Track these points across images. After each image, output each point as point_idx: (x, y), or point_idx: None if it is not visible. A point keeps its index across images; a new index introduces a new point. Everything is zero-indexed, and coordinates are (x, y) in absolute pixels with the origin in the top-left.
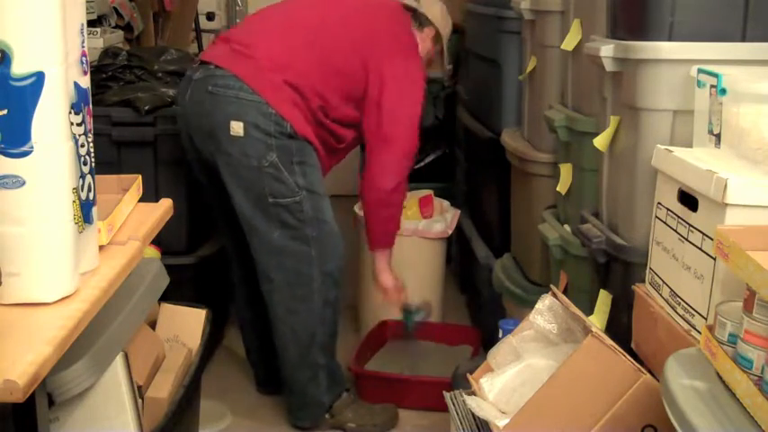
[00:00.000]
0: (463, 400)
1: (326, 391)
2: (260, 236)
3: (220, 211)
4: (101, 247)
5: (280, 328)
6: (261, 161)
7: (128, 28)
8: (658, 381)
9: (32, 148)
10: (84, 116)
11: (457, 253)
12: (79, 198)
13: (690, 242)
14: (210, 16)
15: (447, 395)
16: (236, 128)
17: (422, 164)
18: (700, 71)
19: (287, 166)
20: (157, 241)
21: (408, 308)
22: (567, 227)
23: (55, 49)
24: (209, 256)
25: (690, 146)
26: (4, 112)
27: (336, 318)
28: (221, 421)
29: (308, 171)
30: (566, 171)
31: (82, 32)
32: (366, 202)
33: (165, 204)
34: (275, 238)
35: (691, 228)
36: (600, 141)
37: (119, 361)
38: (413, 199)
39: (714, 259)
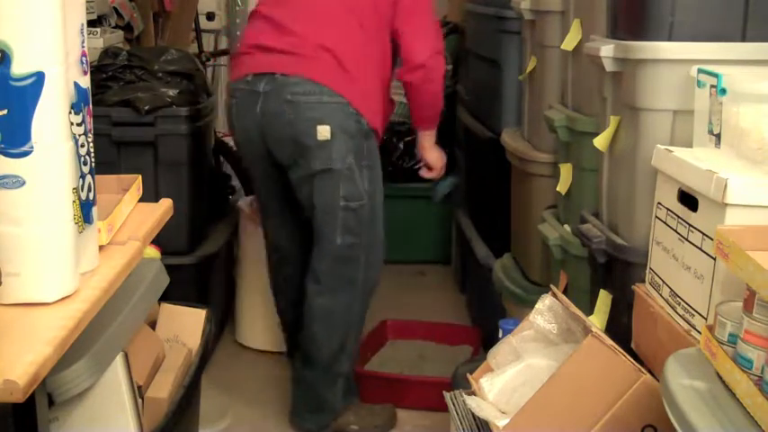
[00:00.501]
0: (463, 400)
1: (342, 398)
2: (323, 240)
3: (278, 207)
4: (101, 247)
5: (314, 329)
6: (342, 163)
7: (128, 28)
8: (658, 381)
9: (32, 148)
10: (84, 116)
11: (457, 253)
12: (79, 198)
13: (690, 242)
14: (210, 16)
15: (447, 395)
16: (324, 132)
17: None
18: (700, 71)
19: (359, 169)
20: (157, 241)
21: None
22: (567, 227)
23: (55, 49)
24: (209, 256)
25: (690, 146)
26: (4, 112)
27: (363, 326)
28: (221, 421)
29: (373, 177)
30: (566, 171)
31: (82, 32)
32: (408, 85)
33: (165, 204)
34: (338, 243)
35: (691, 228)
36: (600, 141)
37: (119, 361)
38: None
39: (714, 259)
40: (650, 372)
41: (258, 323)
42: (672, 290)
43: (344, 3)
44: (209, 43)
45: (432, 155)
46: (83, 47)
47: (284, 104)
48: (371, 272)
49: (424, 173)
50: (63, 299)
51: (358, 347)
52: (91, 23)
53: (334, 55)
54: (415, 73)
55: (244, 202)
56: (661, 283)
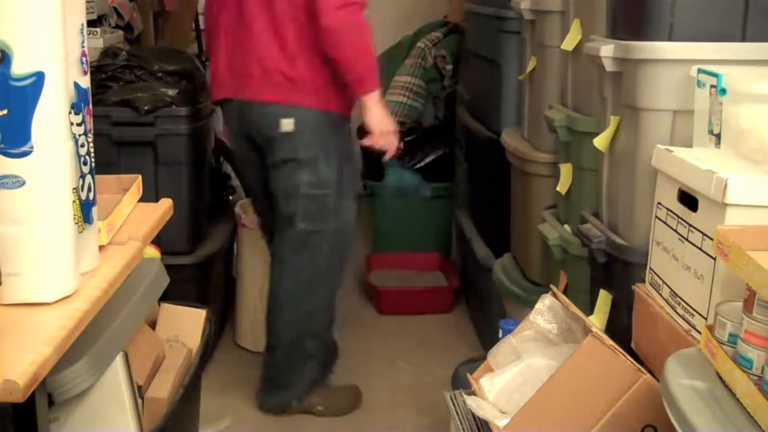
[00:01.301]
0: (463, 400)
1: (310, 380)
2: (285, 225)
3: (261, 191)
4: (101, 247)
5: (278, 311)
6: (306, 153)
7: (128, 28)
8: (658, 381)
9: (32, 148)
10: (84, 116)
11: (457, 253)
12: (79, 198)
13: (690, 242)
14: None
15: (447, 395)
16: (288, 124)
17: (422, 164)
18: (700, 71)
19: (326, 159)
20: (157, 241)
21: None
22: (566, 227)
23: (55, 49)
24: (209, 256)
25: (690, 146)
26: (4, 112)
27: (334, 312)
28: (221, 421)
29: (341, 166)
30: (566, 171)
31: (82, 32)
32: (328, 46)
33: (165, 204)
34: (298, 228)
35: (691, 228)
36: (600, 141)
37: (119, 361)
38: None
39: (714, 259)
40: (650, 372)
41: (258, 324)
42: (672, 290)
43: (263, 7)
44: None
45: (371, 117)
46: (83, 47)
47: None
48: (336, 261)
49: (364, 141)
50: (63, 299)
51: (330, 334)
52: (91, 23)
53: (275, 66)
54: (330, 28)
55: (240, 207)
56: (661, 283)
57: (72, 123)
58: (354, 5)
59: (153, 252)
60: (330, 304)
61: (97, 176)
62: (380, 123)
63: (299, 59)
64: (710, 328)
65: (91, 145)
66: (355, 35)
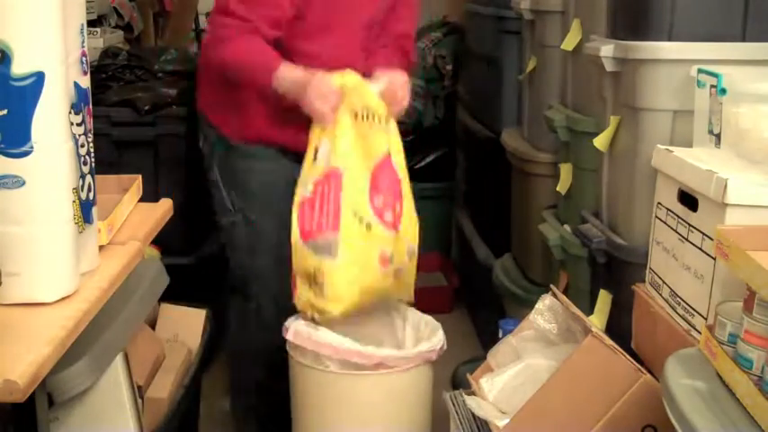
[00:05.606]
0: (463, 400)
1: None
2: None
3: None
4: (101, 247)
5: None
6: (211, 174)
7: (128, 28)
8: (658, 381)
9: (32, 148)
10: (84, 116)
11: (457, 253)
12: (79, 198)
13: (690, 242)
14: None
15: (447, 395)
16: (201, 138)
17: (422, 164)
18: (700, 71)
19: (224, 184)
20: (157, 241)
21: None
22: (567, 227)
23: (55, 49)
24: (209, 256)
25: (690, 146)
26: (4, 112)
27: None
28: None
29: (245, 195)
30: (566, 171)
31: (82, 32)
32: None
33: (165, 204)
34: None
35: (691, 228)
36: (600, 141)
37: (119, 361)
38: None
39: (714, 259)
40: (650, 372)
41: None
42: (672, 290)
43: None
44: None
45: (306, 96)
46: (83, 47)
47: None
48: (263, 317)
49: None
50: (63, 299)
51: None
52: (91, 23)
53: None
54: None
55: None
56: (661, 283)
57: (72, 123)
58: (215, 15)
59: (153, 252)
60: (256, 365)
61: (97, 176)
62: (315, 99)
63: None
64: (710, 328)
65: (91, 145)
66: (213, 48)
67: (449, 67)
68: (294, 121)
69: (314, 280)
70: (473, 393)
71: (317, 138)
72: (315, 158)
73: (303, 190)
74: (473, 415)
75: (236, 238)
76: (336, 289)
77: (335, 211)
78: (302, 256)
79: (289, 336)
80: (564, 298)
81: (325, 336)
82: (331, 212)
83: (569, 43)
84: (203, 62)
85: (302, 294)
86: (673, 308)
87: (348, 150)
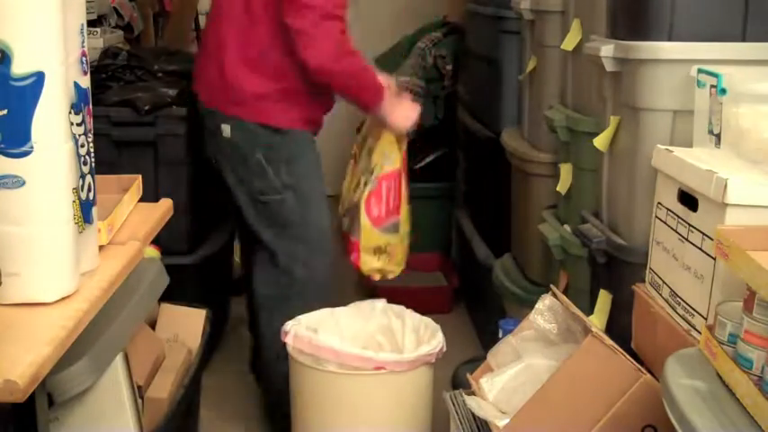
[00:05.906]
0: (463, 400)
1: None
2: (254, 233)
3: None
4: (101, 247)
5: (262, 318)
6: (252, 158)
7: (128, 28)
8: (658, 381)
9: (32, 148)
10: (84, 116)
11: (457, 253)
12: (79, 198)
13: (690, 242)
14: None
15: (447, 395)
16: (226, 129)
17: (422, 164)
18: (700, 71)
19: (272, 164)
20: (157, 241)
21: None
22: (567, 227)
23: (55, 49)
24: (209, 255)
25: (690, 146)
26: (4, 112)
27: None
28: (221, 421)
29: (295, 170)
30: (566, 171)
31: (82, 32)
32: (334, 86)
33: (165, 204)
34: (264, 237)
35: (691, 228)
36: (600, 141)
37: (119, 361)
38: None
39: (714, 259)
40: (650, 372)
41: None
42: (672, 290)
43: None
44: None
45: (401, 118)
46: (83, 47)
47: None
48: (315, 265)
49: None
50: (63, 299)
51: None
52: (91, 23)
53: (221, 76)
54: (318, 77)
55: None
56: (661, 283)
57: (72, 123)
58: (340, 48)
59: (153, 252)
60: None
61: (97, 176)
62: (402, 120)
63: None
64: (710, 328)
65: (91, 145)
66: (355, 80)
67: (449, 67)
68: (325, 110)
69: (383, 251)
70: (473, 393)
71: (380, 143)
72: (370, 158)
73: (370, 185)
74: (473, 415)
75: (286, 212)
76: (399, 255)
77: (399, 200)
78: (373, 237)
79: (288, 339)
80: (564, 298)
81: (325, 339)
82: (396, 201)
83: (569, 43)
84: (288, 60)
85: (369, 262)
86: (673, 308)
87: (399, 155)
